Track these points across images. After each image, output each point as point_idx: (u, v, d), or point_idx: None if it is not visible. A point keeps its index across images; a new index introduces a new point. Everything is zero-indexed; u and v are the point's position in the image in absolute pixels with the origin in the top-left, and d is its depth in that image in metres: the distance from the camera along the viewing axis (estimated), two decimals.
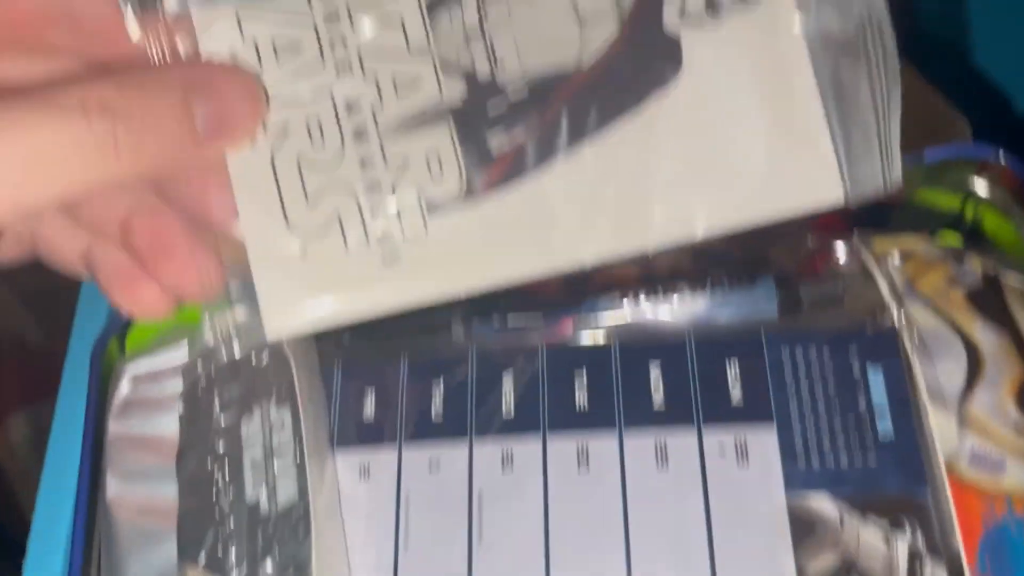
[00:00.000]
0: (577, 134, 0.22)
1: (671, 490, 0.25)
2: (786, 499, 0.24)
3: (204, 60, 0.22)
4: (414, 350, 0.28)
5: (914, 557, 0.23)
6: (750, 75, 0.22)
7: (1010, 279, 0.28)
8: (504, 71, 0.23)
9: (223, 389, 0.27)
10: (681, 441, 0.25)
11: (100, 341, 0.29)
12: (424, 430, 0.27)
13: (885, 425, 0.25)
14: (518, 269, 0.22)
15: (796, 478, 0.24)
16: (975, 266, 0.29)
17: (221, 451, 0.26)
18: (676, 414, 0.26)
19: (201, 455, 0.26)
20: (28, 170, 0.18)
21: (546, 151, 0.22)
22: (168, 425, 0.27)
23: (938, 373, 0.26)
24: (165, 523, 0.25)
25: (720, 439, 0.25)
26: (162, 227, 0.22)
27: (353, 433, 0.27)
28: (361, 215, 0.22)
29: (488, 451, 0.26)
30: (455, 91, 0.22)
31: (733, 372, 0.26)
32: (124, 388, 0.28)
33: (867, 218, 0.31)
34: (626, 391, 0.26)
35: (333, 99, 0.22)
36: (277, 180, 0.22)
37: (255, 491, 0.25)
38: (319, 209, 0.22)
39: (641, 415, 0.26)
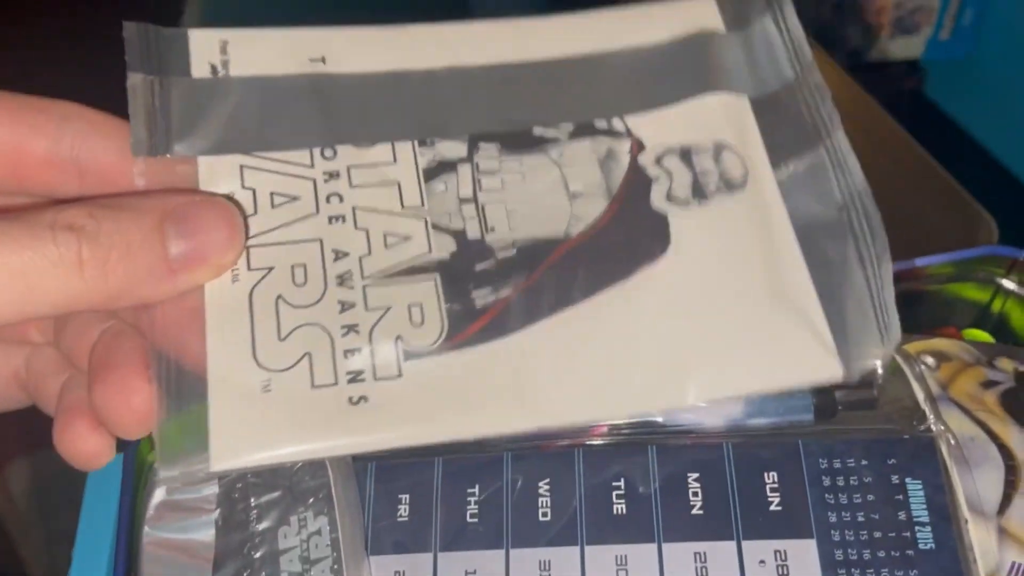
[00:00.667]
0: (563, 298, 0.23)
1: None
2: None
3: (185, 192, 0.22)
4: (448, 453, 0.28)
5: None
6: (738, 253, 0.23)
7: None
8: (494, 234, 0.23)
9: (260, 494, 0.27)
10: (720, 551, 0.25)
11: (131, 444, 0.29)
12: (460, 538, 0.27)
13: (925, 537, 0.25)
14: (490, 423, 0.22)
15: None
16: (1006, 366, 0.29)
17: (258, 560, 0.26)
18: (715, 526, 0.26)
19: (238, 562, 0.26)
20: None
21: (531, 311, 0.23)
22: (204, 531, 0.26)
23: (976, 483, 0.26)
24: None
25: (760, 550, 0.25)
26: (116, 347, 0.22)
27: (388, 539, 0.27)
28: (333, 353, 0.22)
29: (526, 559, 0.26)
30: (444, 248, 0.23)
31: (771, 482, 0.26)
32: (159, 493, 0.27)
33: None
34: (664, 500, 0.26)
35: (322, 246, 0.23)
36: (252, 313, 0.22)
37: None
38: (289, 345, 0.22)
39: (680, 526, 0.26)
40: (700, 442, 0.27)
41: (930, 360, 0.28)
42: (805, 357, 0.22)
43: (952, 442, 0.26)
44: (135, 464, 0.28)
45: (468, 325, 0.22)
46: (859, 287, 0.22)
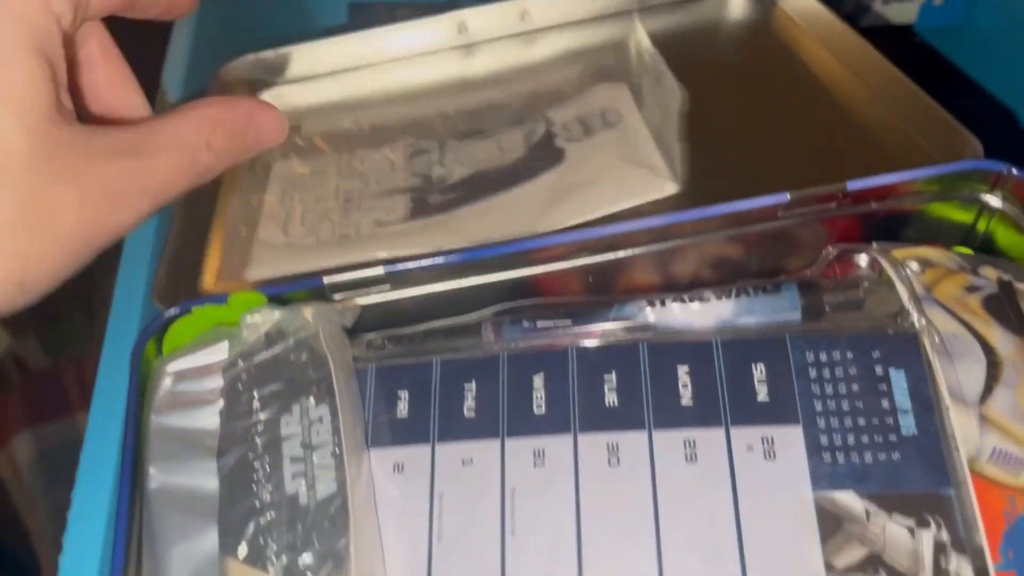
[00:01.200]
0: (488, 191, 0.36)
1: (700, 483, 0.25)
2: (813, 494, 0.25)
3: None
4: (446, 353, 0.29)
5: (939, 550, 0.24)
6: (608, 151, 0.36)
7: (1023, 287, 0.29)
8: (448, 171, 0.38)
9: (263, 386, 0.28)
10: (709, 438, 0.26)
11: (139, 342, 0.29)
12: (457, 429, 0.27)
13: (908, 423, 0.26)
14: (430, 244, 0.33)
15: (822, 474, 0.25)
16: (990, 274, 0.30)
17: (261, 445, 0.26)
18: (704, 414, 0.26)
19: (241, 449, 0.27)
20: (145, 197, 0.22)
21: (466, 199, 0.36)
22: (209, 420, 0.27)
23: (959, 374, 0.26)
24: (206, 515, 0.26)
25: (748, 436, 0.26)
26: None
27: (387, 433, 0.28)
28: (333, 223, 0.36)
29: (520, 448, 0.27)
30: (416, 182, 0.38)
31: (759, 374, 0.27)
32: (166, 383, 0.28)
33: (883, 233, 0.32)
34: (655, 391, 0.27)
35: (337, 187, 0.38)
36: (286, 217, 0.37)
37: (294, 484, 0.26)
38: (306, 224, 0.36)
39: (670, 415, 0.26)
40: (690, 339, 0.28)
41: (915, 265, 0.29)
42: (651, 185, 0.34)
43: (935, 337, 0.27)
44: (140, 367, 0.29)
45: (425, 209, 0.36)
46: (671, 138, 0.34)
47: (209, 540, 0.25)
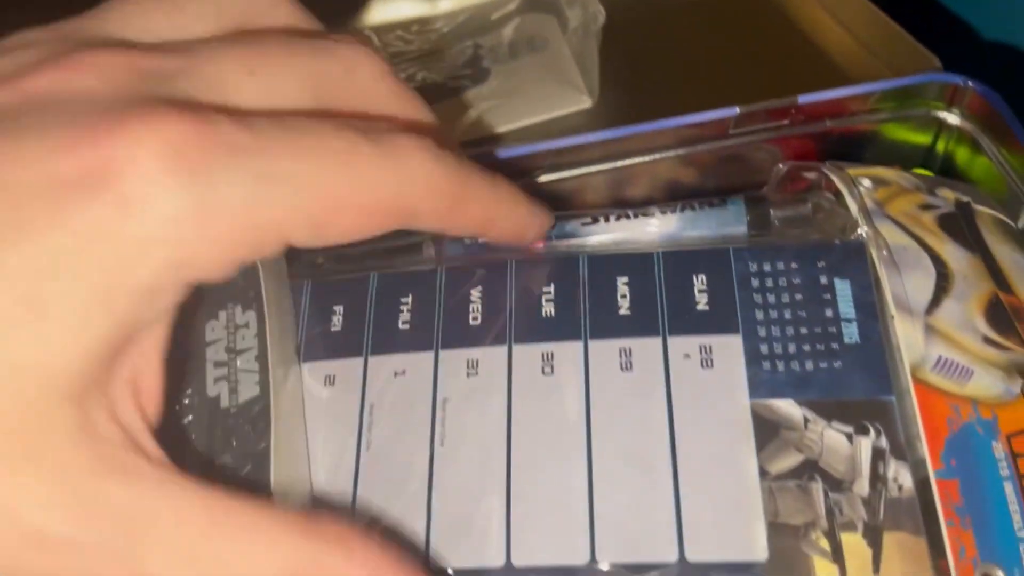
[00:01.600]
0: None
1: (634, 392, 0.25)
2: (750, 402, 0.24)
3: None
4: (383, 268, 0.28)
5: (877, 456, 0.23)
6: (535, 69, 0.40)
7: (982, 207, 0.28)
8: None
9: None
10: (646, 346, 0.25)
11: None
12: (391, 342, 0.27)
13: (851, 332, 0.25)
14: None
15: (760, 382, 0.24)
16: (947, 195, 0.29)
17: (182, 349, 0.26)
18: (641, 323, 0.26)
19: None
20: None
21: None
22: None
23: (906, 285, 0.26)
24: None
25: (685, 345, 0.25)
26: None
27: (320, 347, 0.27)
28: None
29: (453, 359, 0.26)
30: None
31: (700, 284, 0.26)
32: None
33: (840, 156, 0.31)
34: (592, 302, 0.26)
35: None
36: None
37: (216, 387, 0.25)
38: None
39: (606, 324, 0.26)
40: (631, 251, 0.27)
41: (867, 183, 0.28)
42: (567, 98, 0.39)
43: (884, 249, 0.26)
44: None
45: None
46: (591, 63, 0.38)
47: None
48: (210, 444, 0.24)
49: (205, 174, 0.17)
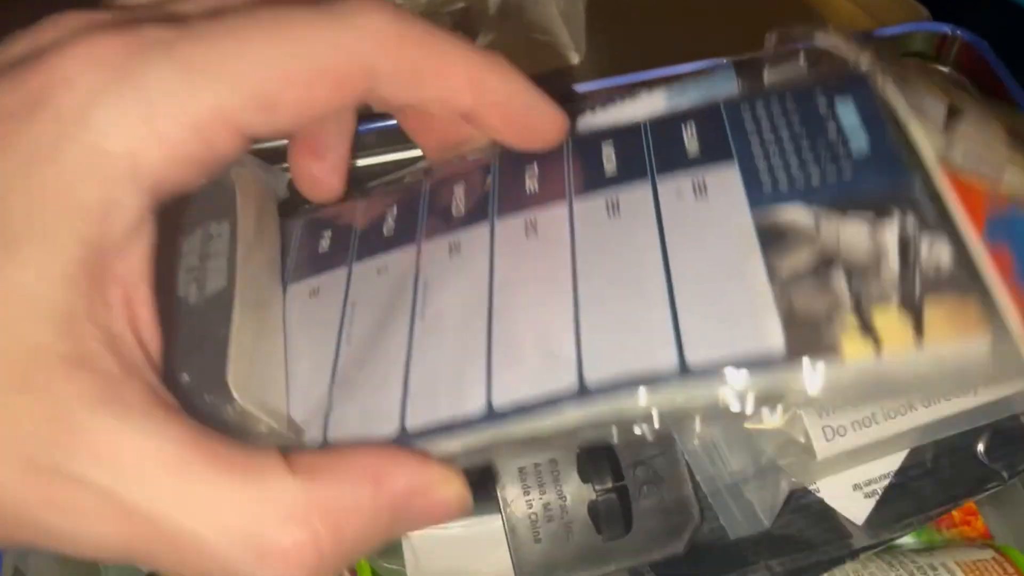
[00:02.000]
0: None
1: (622, 234, 0.22)
2: (752, 217, 0.21)
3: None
4: (368, 189, 0.28)
5: (906, 241, 0.20)
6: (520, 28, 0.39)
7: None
8: None
9: None
10: (633, 193, 0.23)
11: None
12: (375, 247, 0.25)
13: (859, 143, 0.22)
14: None
15: (763, 196, 0.21)
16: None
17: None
18: (628, 174, 0.23)
19: None
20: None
21: None
22: None
23: (919, 101, 0.23)
24: None
25: (676, 184, 0.23)
26: None
27: (307, 267, 0.26)
28: None
29: (436, 246, 0.24)
30: None
31: (688, 132, 0.24)
32: None
33: None
34: (575, 168, 0.24)
35: None
36: None
37: (185, 289, 0.24)
38: None
39: (590, 182, 0.24)
40: (619, 125, 0.25)
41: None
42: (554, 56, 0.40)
43: (888, 73, 0.24)
44: None
45: None
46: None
47: None
48: (176, 340, 0.23)
49: (133, 75, 0.17)
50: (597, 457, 0.27)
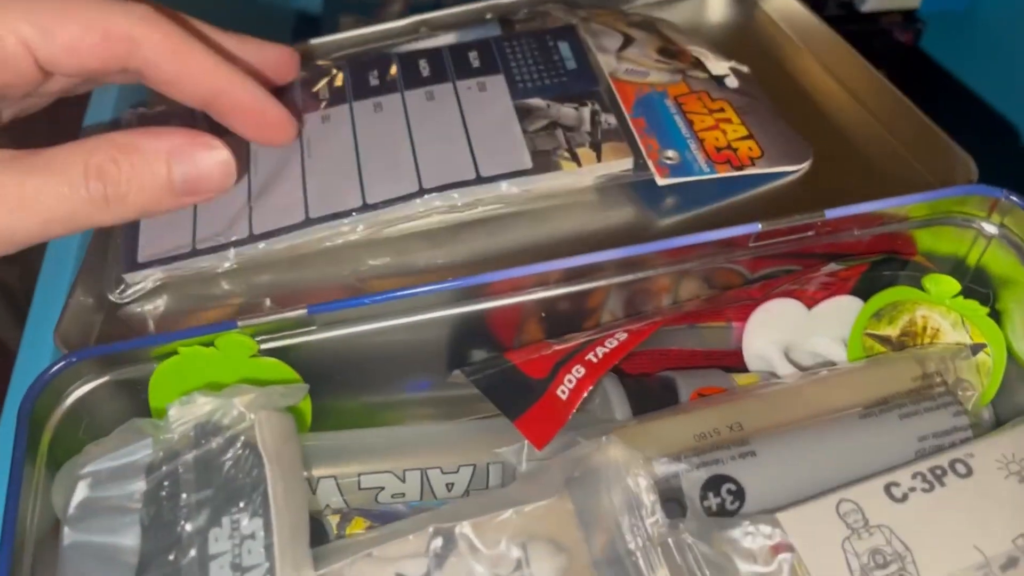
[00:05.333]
0: None
1: (437, 111, 0.37)
2: (512, 102, 0.37)
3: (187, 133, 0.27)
4: None
5: (594, 113, 0.36)
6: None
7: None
8: None
9: (190, 493, 0.25)
10: (442, 88, 0.38)
11: (28, 397, 0.27)
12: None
13: (570, 63, 0.38)
14: None
15: (518, 92, 0.37)
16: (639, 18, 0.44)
17: (185, 564, 0.24)
18: (437, 77, 0.38)
19: (164, 570, 0.24)
20: (27, 218, 0.24)
21: None
22: (128, 532, 0.25)
23: (602, 41, 0.40)
24: None
25: (467, 83, 0.38)
26: None
27: None
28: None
29: (311, 116, 0.37)
30: None
31: (473, 55, 0.39)
32: (82, 490, 0.26)
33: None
34: (403, 73, 0.38)
35: None
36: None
37: None
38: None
39: (412, 82, 0.38)
40: (427, 49, 0.40)
41: (582, 12, 0.43)
42: None
43: (590, 28, 0.40)
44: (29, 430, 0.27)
45: None
46: None
47: None
48: None
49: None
50: None
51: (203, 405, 0.26)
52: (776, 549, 0.24)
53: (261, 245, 0.34)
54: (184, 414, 0.26)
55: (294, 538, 0.25)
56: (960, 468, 0.26)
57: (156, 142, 0.26)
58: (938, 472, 0.26)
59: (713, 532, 0.25)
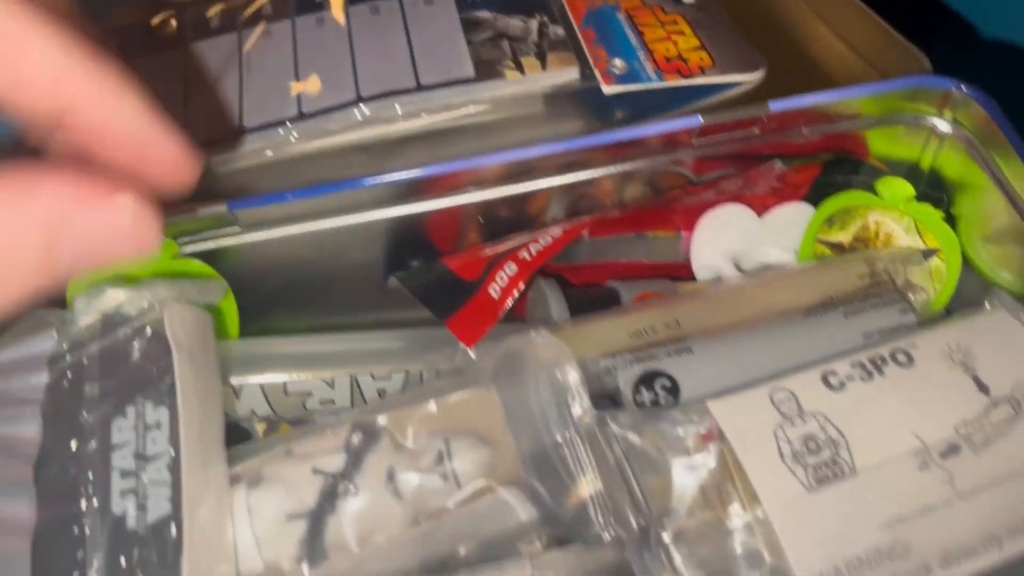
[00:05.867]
0: None
1: (381, 25, 0.36)
2: (459, 15, 0.35)
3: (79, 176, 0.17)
4: None
5: (542, 25, 0.35)
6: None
7: None
8: None
9: (93, 382, 0.24)
10: (388, 4, 0.36)
11: None
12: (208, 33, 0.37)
13: None
14: None
15: (464, 7, 0.36)
16: None
17: (87, 455, 0.23)
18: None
19: (63, 461, 0.23)
20: None
21: None
22: (28, 424, 0.23)
23: None
24: (17, 543, 0.22)
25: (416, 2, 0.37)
26: None
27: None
28: None
29: (252, 32, 0.36)
30: None
31: None
32: None
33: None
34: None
35: None
36: None
37: (122, 503, 0.22)
38: None
39: None
40: None
41: None
42: None
43: None
44: None
45: None
46: None
47: (19, 574, 0.22)
48: (112, 569, 0.21)
49: None
50: None
51: (111, 296, 0.25)
52: (706, 437, 0.23)
53: None
54: (91, 305, 0.25)
55: (204, 432, 0.24)
56: (901, 358, 0.25)
57: (28, 200, 0.17)
58: (878, 361, 0.25)
59: (644, 425, 0.24)
